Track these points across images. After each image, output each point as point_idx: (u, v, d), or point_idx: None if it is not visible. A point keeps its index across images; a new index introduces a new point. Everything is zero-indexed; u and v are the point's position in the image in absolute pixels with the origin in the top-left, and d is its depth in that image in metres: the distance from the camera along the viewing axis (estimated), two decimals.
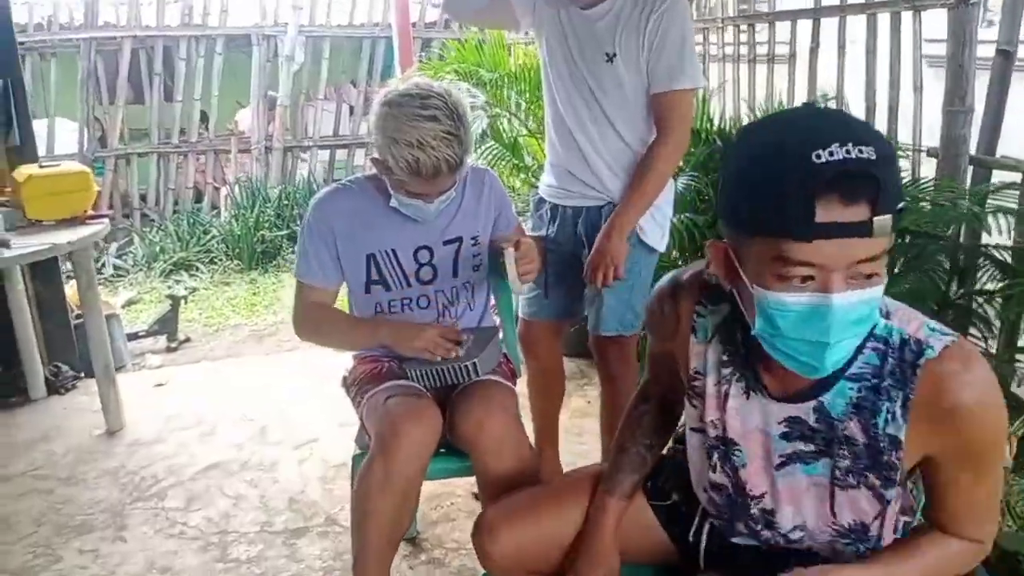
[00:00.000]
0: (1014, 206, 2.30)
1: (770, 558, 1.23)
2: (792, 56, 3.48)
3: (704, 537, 1.36)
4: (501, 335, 2.06)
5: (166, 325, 4.28)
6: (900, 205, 0.93)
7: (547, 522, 1.40)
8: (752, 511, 1.21)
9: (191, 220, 5.85)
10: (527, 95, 3.48)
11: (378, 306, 1.96)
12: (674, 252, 2.63)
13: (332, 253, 1.91)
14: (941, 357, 1.03)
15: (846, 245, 0.92)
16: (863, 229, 0.91)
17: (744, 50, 3.83)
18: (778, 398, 1.12)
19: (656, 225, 2.17)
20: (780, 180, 0.92)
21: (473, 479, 1.90)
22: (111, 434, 3.12)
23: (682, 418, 1.33)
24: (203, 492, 2.70)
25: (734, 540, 1.29)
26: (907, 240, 2.14)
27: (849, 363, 1.06)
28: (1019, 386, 2.14)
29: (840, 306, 0.94)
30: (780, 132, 0.98)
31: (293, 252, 5.68)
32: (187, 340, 4.34)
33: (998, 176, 2.66)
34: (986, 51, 2.64)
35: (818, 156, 0.90)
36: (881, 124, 2.90)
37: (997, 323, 2.19)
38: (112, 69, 5.79)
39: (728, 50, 3.96)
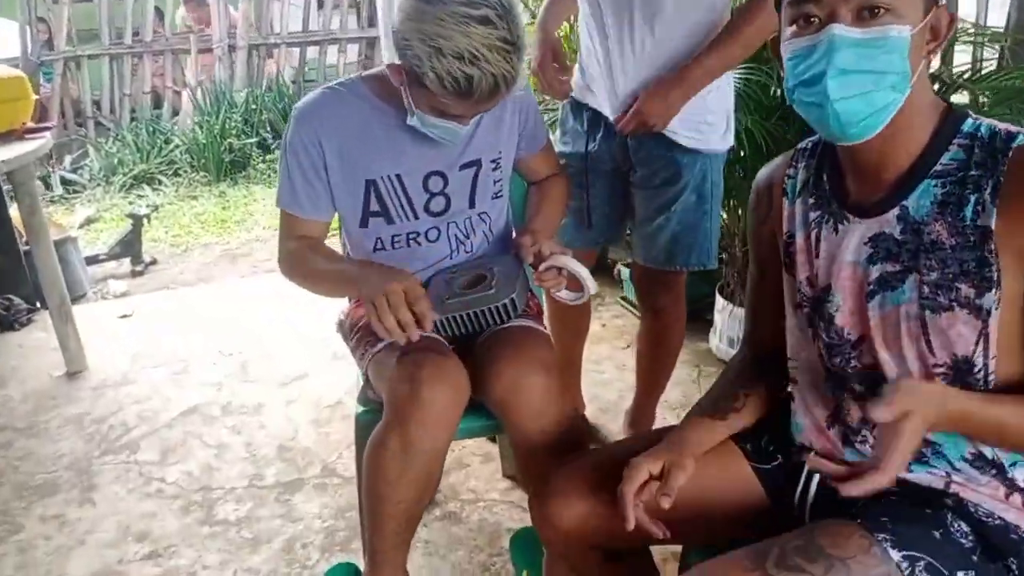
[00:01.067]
0: None
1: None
2: None
3: (812, 490, 1.16)
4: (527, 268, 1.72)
5: (129, 247, 3.92)
6: None
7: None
8: (855, 370, 1.10)
9: (151, 128, 5.38)
10: None
11: (378, 241, 1.60)
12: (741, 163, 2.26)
13: (321, 177, 1.53)
14: None
15: None
16: None
17: None
18: (864, 214, 1.07)
19: (715, 124, 1.82)
20: None
21: None
22: (72, 375, 2.80)
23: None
24: (180, 442, 2.40)
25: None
26: None
27: (934, 162, 1.02)
28: None
29: (840, 36, 0.94)
30: None
31: (264, 161, 5.28)
32: (153, 262, 3.99)
33: None
34: None
35: None
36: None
37: None
38: None
39: None
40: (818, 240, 1.13)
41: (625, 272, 3.11)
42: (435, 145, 1.50)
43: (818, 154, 1.17)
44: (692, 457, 1.17)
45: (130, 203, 4.72)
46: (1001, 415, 0.97)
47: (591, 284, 1.49)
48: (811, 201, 1.15)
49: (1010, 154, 0.97)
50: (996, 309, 0.98)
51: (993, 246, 0.97)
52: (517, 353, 1.45)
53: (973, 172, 1.00)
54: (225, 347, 2.96)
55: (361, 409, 1.67)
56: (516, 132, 1.63)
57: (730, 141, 1.87)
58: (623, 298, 3.16)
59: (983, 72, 2.33)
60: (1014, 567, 1.03)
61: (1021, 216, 0.95)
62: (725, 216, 2.72)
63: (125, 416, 2.54)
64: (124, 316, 3.27)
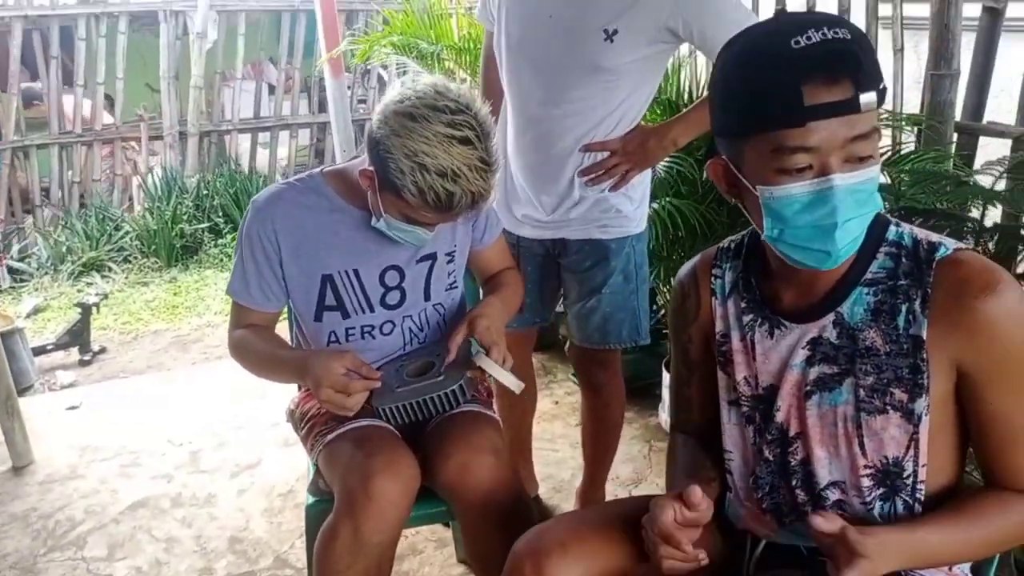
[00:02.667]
0: None
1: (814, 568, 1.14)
2: (755, 7, 3.25)
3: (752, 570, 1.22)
4: (475, 348, 1.77)
5: (77, 336, 3.86)
6: (882, 85, 0.96)
7: (607, 551, 1.21)
8: (791, 464, 1.14)
9: (100, 216, 5.35)
10: (469, 68, 3.18)
11: (332, 335, 1.64)
12: (658, 240, 2.36)
13: (275, 270, 1.58)
14: (956, 257, 1.04)
15: (838, 124, 0.95)
16: (851, 105, 0.94)
17: None
18: (799, 319, 1.12)
19: (635, 211, 1.92)
20: (764, 73, 0.97)
21: None
22: (18, 470, 2.74)
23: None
24: (129, 536, 2.36)
25: (782, 542, 1.20)
26: (931, 222, 1.93)
27: (863, 269, 1.07)
28: None
29: (842, 186, 0.97)
30: (755, 35, 1.03)
31: (216, 246, 5.28)
32: (102, 351, 3.93)
33: (984, 144, 2.50)
34: (970, 10, 2.46)
35: (796, 42, 0.94)
36: None
37: None
38: (3, 53, 5.22)
39: None
40: (753, 345, 1.17)
41: None
42: (392, 242, 1.55)
43: (743, 256, 1.21)
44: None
45: (79, 291, 4.68)
46: (930, 541, 1.02)
47: (513, 384, 1.52)
48: (743, 305, 1.19)
49: (933, 267, 1.03)
50: (926, 415, 1.04)
51: (925, 354, 1.03)
52: (466, 437, 1.49)
53: (902, 282, 1.05)
54: (175, 437, 2.93)
55: (312, 499, 1.68)
56: (470, 226, 1.70)
57: (646, 217, 1.98)
58: (574, 375, 3.20)
59: (901, 153, 2.48)
60: None
61: (949, 327, 1.02)
62: (669, 294, 2.81)
63: (72, 511, 2.49)
64: (72, 407, 3.22)
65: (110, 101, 5.65)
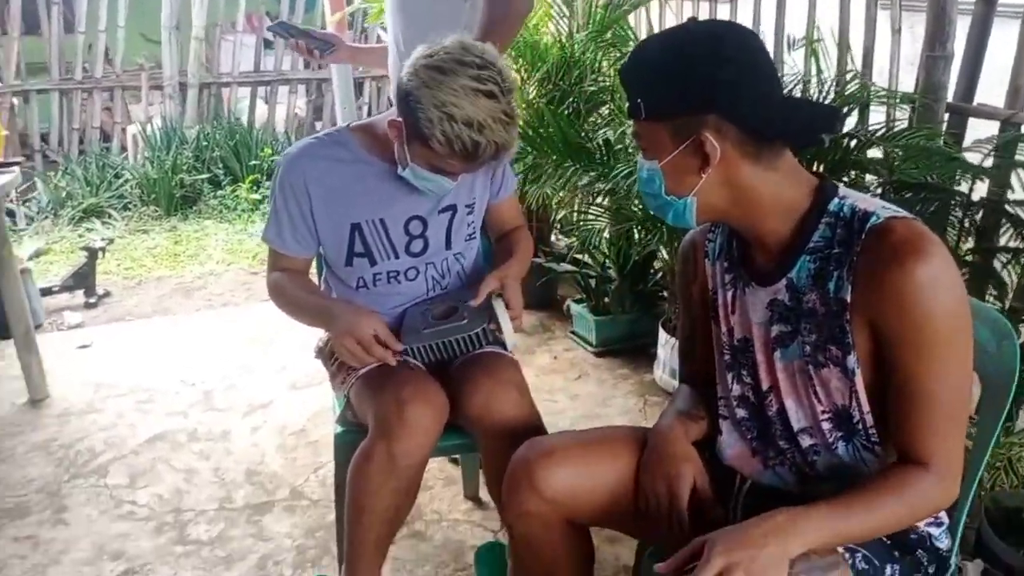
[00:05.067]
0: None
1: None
2: None
3: (740, 508, 1.34)
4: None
5: (82, 279, 3.93)
6: (645, 101, 1.14)
7: (601, 466, 1.36)
8: (769, 414, 1.26)
9: (100, 163, 5.39)
10: None
11: (360, 280, 1.75)
12: None
13: (307, 219, 1.69)
14: (885, 224, 1.10)
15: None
16: (631, 112, 1.18)
17: None
18: (762, 282, 1.23)
19: None
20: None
21: None
22: (35, 403, 2.84)
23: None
24: (149, 467, 2.48)
25: (765, 483, 1.31)
26: (922, 194, 2.06)
27: (808, 239, 1.16)
28: None
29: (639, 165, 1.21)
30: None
31: (215, 197, 5.34)
32: (107, 295, 4.01)
33: (973, 125, 2.62)
34: None
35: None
36: (856, 66, 2.81)
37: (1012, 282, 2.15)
38: None
39: None
40: (734, 299, 1.30)
41: (575, 307, 3.31)
42: (415, 192, 1.66)
43: (727, 232, 1.33)
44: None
45: (80, 236, 4.74)
46: (839, 520, 1.08)
47: (509, 340, 1.65)
48: (726, 265, 1.32)
49: (862, 236, 1.11)
50: (858, 368, 1.13)
51: (848, 315, 1.12)
52: (490, 374, 1.62)
53: (836, 250, 1.14)
54: (187, 377, 3.04)
55: (340, 429, 1.80)
56: (488, 180, 1.81)
57: None
58: (573, 332, 3.34)
59: (895, 130, 2.60)
60: (923, 559, 1.22)
61: (869, 290, 1.09)
62: (666, 256, 2.94)
63: (92, 442, 2.60)
64: (83, 346, 3.31)
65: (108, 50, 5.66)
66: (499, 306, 1.64)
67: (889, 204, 1.15)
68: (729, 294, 1.30)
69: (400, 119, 1.54)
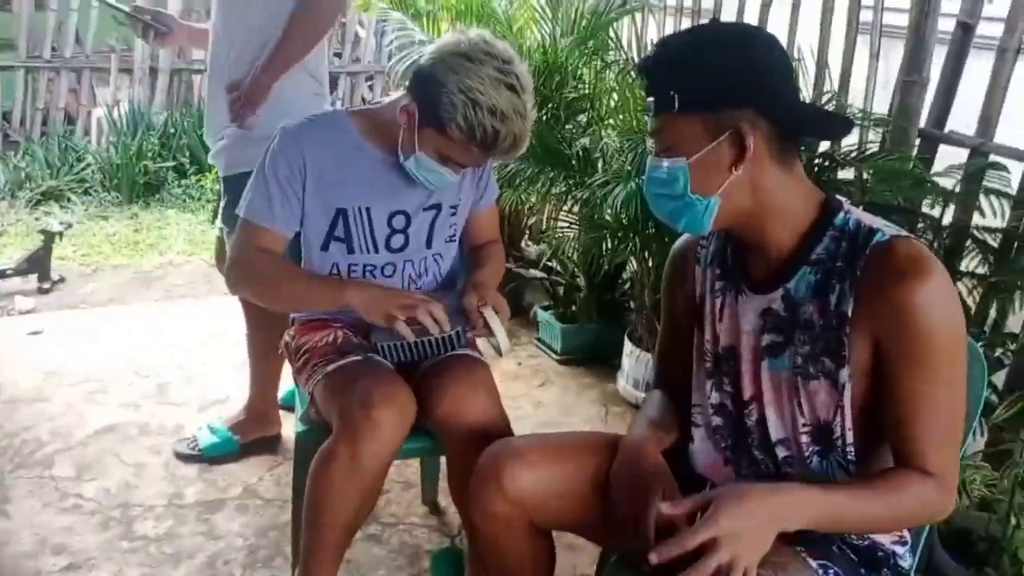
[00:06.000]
0: (1007, 190, 2.26)
1: None
2: (740, 12, 3.36)
3: None
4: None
5: (37, 264, 3.81)
6: (681, 92, 1.12)
7: (569, 471, 1.34)
8: (748, 423, 1.26)
9: (63, 145, 5.25)
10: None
11: (335, 267, 1.71)
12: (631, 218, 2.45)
13: (298, 194, 1.65)
14: (890, 242, 1.11)
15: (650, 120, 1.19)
16: (658, 107, 1.16)
17: (689, 1, 3.68)
18: (757, 290, 1.22)
19: None
20: None
21: None
22: None
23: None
24: (97, 459, 2.40)
25: None
26: (892, 216, 2.06)
27: (810, 251, 1.17)
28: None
29: (648, 166, 1.19)
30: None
31: (179, 186, 5.23)
32: (61, 280, 3.89)
33: (944, 151, 2.65)
34: (944, 24, 2.60)
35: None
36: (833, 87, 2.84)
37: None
38: None
39: (671, 2, 3.79)
40: (723, 306, 1.29)
41: (541, 314, 3.28)
42: (405, 186, 1.64)
43: (721, 240, 1.32)
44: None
45: (36, 219, 4.60)
46: (839, 505, 1.09)
47: (504, 345, 1.63)
48: (718, 272, 1.31)
49: (867, 252, 1.12)
50: (849, 383, 1.14)
51: (848, 329, 1.12)
52: (462, 375, 1.59)
53: (839, 263, 1.14)
54: (141, 369, 2.95)
55: (302, 428, 1.75)
56: (474, 184, 1.79)
57: None
58: (538, 339, 3.32)
59: (868, 152, 2.62)
60: None
61: (872, 307, 1.10)
62: (637, 267, 2.93)
63: (39, 432, 2.51)
64: (35, 333, 3.21)
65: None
66: (489, 314, 1.62)
67: (891, 223, 1.17)
68: (718, 301, 1.29)
69: (414, 104, 1.54)
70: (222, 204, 2.30)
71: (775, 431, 1.23)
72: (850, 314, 1.12)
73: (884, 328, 1.10)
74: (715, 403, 1.31)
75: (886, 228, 1.14)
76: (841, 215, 1.17)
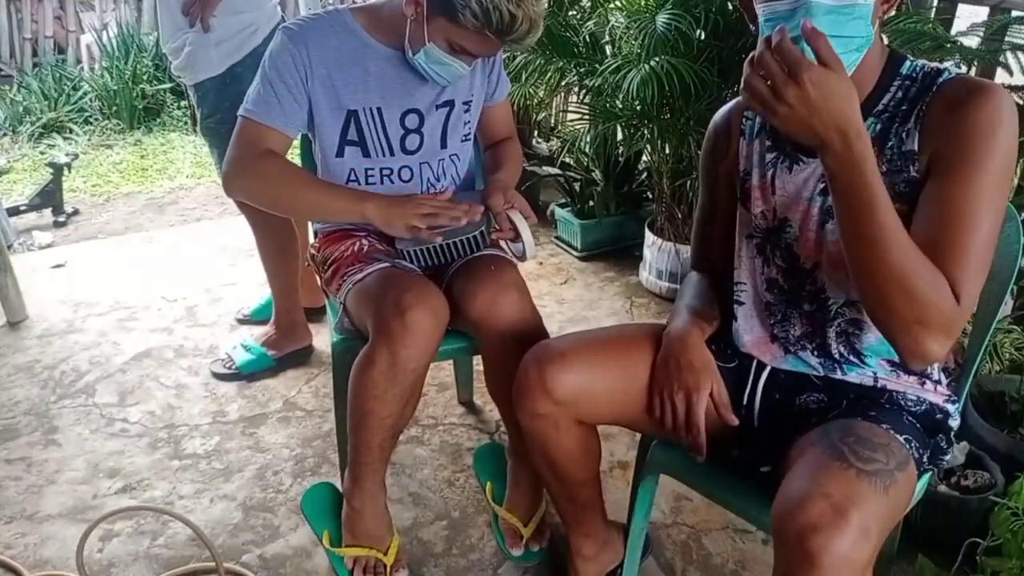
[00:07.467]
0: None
1: (823, 409, 1.26)
2: None
3: (759, 394, 1.33)
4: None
5: (49, 197, 3.82)
6: None
7: (612, 368, 1.34)
8: (803, 294, 1.26)
9: (57, 75, 5.17)
10: None
11: (352, 173, 1.69)
12: (653, 99, 2.39)
13: (303, 94, 1.61)
14: (957, 77, 1.13)
15: None
16: None
17: None
18: (814, 156, 1.18)
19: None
20: None
21: None
22: (14, 325, 2.77)
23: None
24: (137, 384, 2.45)
25: (787, 368, 1.30)
26: None
27: (877, 102, 1.15)
28: None
29: (816, 6, 1.01)
30: None
31: (179, 108, 5.16)
32: (76, 212, 3.90)
33: (963, 9, 2.57)
34: None
35: None
36: None
37: None
38: None
39: None
40: (774, 178, 1.26)
41: (559, 212, 3.27)
42: (416, 84, 1.60)
43: None
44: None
45: (41, 153, 4.58)
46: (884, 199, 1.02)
47: (531, 250, 1.63)
48: (768, 143, 1.27)
49: (933, 88, 1.12)
50: None
51: (917, 164, 1.12)
52: (492, 275, 1.59)
53: (904, 107, 1.14)
54: (168, 293, 2.98)
55: (337, 337, 1.77)
56: (486, 78, 1.75)
57: None
58: (557, 237, 3.31)
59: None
60: (943, 443, 1.25)
61: (934, 129, 1.10)
62: (653, 156, 2.89)
63: (76, 362, 2.56)
64: (57, 266, 3.23)
65: None
66: (517, 216, 1.61)
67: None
68: (769, 173, 1.27)
69: None
70: (199, 116, 2.27)
71: (835, 298, 1.23)
72: (916, 149, 1.12)
73: (941, 143, 1.09)
74: (767, 278, 1.30)
75: (953, 68, 1.15)
76: (908, 63, 1.17)
